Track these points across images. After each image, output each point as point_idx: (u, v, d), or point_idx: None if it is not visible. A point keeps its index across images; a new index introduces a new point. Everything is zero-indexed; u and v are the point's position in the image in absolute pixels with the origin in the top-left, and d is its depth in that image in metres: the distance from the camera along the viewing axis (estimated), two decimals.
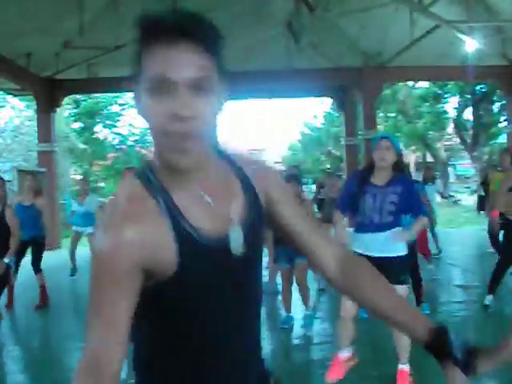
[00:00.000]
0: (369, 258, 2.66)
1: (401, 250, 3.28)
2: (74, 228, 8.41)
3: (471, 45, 9.88)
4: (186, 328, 0.96)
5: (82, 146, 23.41)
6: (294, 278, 4.74)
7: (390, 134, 3.70)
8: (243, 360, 1.03)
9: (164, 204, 0.90)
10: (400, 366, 3.33)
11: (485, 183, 7.66)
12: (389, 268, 2.75)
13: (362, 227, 3.29)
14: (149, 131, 0.90)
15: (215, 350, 0.99)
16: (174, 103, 0.83)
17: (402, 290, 3.13)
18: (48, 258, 10.13)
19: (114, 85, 13.34)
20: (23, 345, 4.85)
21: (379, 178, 3.30)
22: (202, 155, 0.90)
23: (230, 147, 1.07)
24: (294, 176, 4.75)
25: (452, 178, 29.87)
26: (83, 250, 8.55)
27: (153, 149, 0.93)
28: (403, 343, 3.23)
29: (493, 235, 4.95)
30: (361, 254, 2.95)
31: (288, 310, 4.91)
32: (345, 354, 3.46)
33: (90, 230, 8.36)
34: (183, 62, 0.83)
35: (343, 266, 1.08)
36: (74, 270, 8.25)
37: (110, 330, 0.85)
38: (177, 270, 0.89)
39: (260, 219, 1.02)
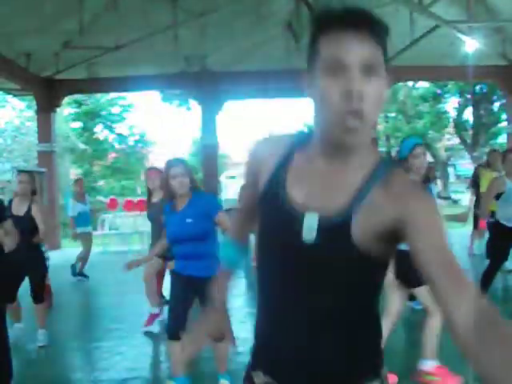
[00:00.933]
0: None
1: None
2: (82, 230, 8.14)
3: (471, 45, 9.88)
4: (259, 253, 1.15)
5: (83, 146, 23.41)
6: None
7: (421, 140, 3.52)
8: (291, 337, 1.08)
9: (280, 164, 1.09)
10: None
11: (476, 184, 7.63)
12: None
13: None
14: (317, 110, 1.00)
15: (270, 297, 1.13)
16: (348, 83, 0.93)
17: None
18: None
19: (114, 85, 13.39)
20: (23, 343, 4.85)
21: None
22: (366, 136, 0.99)
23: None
24: None
25: (452, 178, 29.86)
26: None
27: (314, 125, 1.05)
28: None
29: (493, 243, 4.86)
30: None
31: None
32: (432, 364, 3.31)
33: (88, 229, 8.35)
34: (357, 49, 0.94)
35: (478, 322, 0.83)
36: (82, 273, 8.20)
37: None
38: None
39: (365, 223, 0.99)
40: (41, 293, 4.76)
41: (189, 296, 3.36)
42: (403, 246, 1.00)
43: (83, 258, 8.21)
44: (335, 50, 0.94)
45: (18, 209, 4.65)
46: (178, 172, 3.18)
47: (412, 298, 4.86)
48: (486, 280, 4.82)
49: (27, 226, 4.59)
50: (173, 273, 3.40)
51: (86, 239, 8.28)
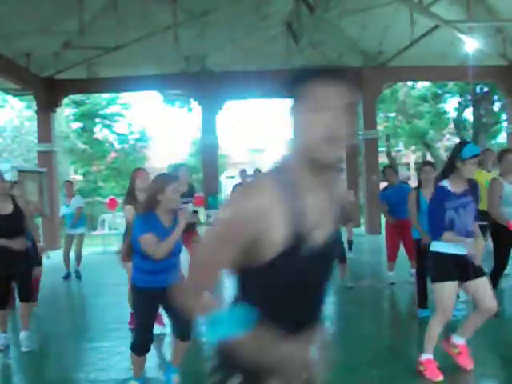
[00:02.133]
0: (458, 256, 3.34)
1: None
2: (66, 231, 8.44)
3: (471, 45, 9.88)
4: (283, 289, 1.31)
5: (82, 147, 23.40)
6: None
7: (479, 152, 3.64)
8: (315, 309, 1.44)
9: (291, 202, 1.24)
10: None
11: None
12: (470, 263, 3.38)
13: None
14: (299, 140, 1.29)
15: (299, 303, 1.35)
16: (334, 120, 1.24)
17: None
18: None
19: (114, 85, 13.38)
20: (18, 345, 4.84)
21: (456, 186, 3.40)
22: (340, 161, 1.28)
23: None
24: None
25: None
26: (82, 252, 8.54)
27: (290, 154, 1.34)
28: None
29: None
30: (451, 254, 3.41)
31: None
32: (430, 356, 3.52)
33: (80, 230, 8.35)
34: (340, 94, 1.28)
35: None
36: (68, 274, 8.25)
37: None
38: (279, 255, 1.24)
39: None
40: (27, 289, 4.43)
41: (156, 311, 3.40)
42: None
43: (76, 258, 8.32)
44: (324, 95, 1.26)
45: (2, 208, 4.47)
46: (176, 187, 3.15)
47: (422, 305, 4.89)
48: (493, 283, 4.81)
49: (18, 224, 4.50)
50: (138, 289, 3.27)
51: (72, 241, 8.34)
